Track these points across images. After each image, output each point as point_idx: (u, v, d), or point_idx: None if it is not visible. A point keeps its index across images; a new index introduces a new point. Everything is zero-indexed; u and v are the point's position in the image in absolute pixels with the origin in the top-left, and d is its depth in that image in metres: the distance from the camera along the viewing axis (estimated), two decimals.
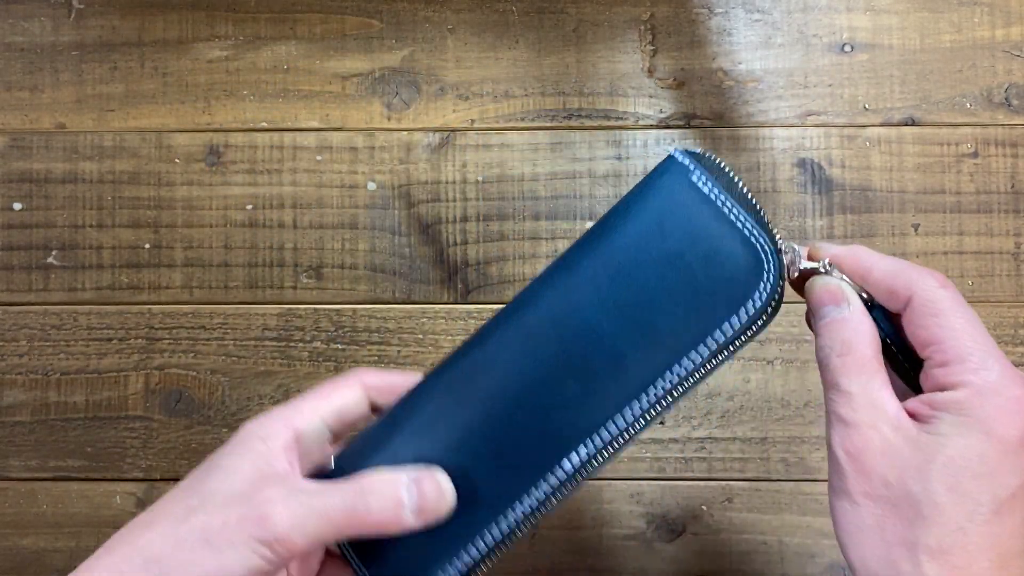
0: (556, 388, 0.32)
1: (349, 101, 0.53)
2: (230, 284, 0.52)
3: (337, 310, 0.52)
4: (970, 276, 0.52)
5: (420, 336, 0.52)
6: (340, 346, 0.52)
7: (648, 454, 0.51)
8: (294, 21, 0.54)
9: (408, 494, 0.32)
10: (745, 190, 0.32)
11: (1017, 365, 0.51)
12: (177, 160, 0.53)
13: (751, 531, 0.51)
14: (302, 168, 0.53)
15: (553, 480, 0.32)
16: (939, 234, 0.52)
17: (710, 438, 0.51)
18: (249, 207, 0.53)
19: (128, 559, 0.30)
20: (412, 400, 0.34)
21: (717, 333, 0.31)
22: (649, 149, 0.53)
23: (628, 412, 0.32)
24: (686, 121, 0.53)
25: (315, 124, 0.53)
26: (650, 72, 0.53)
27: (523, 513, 0.32)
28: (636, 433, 0.32)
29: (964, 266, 0.52)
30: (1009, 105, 0.52)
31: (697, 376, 0.32)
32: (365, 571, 0.33)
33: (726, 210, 0.31)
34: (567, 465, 0.32)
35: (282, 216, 0.53)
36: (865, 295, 0.31)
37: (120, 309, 0.52)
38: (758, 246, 0.31)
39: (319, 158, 0.53)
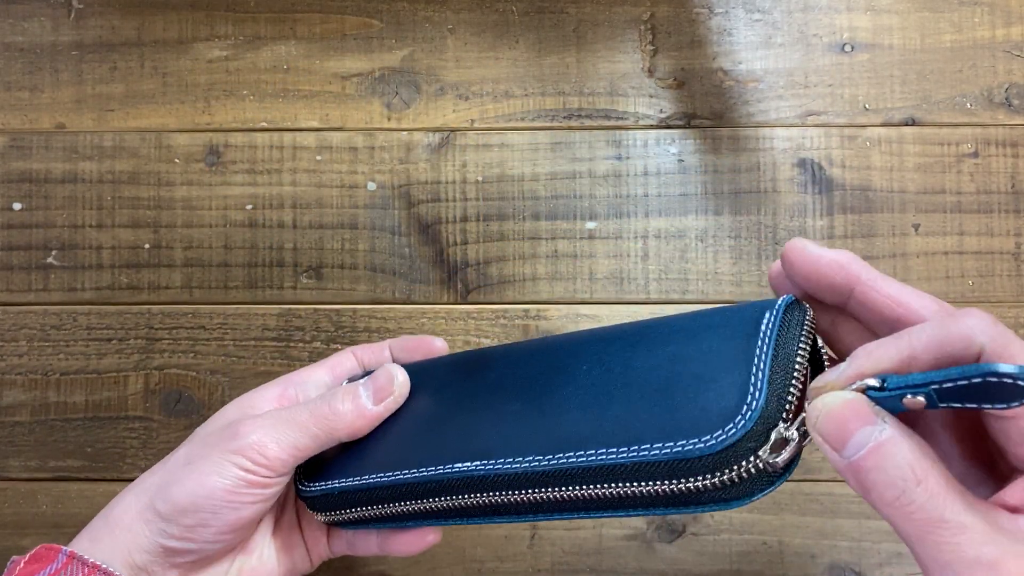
0: (505, 399, 0.32)
1: (349, 101, 0.53)
2: (230, 284, 0.52)
3: (337, 310, 0.52)
4: (970, 276, 0.52)
5: None
6: (340, 346, 0.52)
7: None
8: (294, 21, 0.54)
9: (363, 387, 0.35)
10: (800, 368, 0.26)
11: None
12: (177, 160, 0.53)
13: (751, 531, 0.51)
14: (302, 168, 0.53)
15: (441, 472, 0.31)
16: (939, 234, 0.52)
17: None
18: (249, 207, 0.53)
19: (123, 496, 0.35)
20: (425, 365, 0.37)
21: (644, 449, 0.26)
22: (649, 149, 0.53)
23: (523, 461, 0.29)
24: (686, 121, 0.53)
25: (315, 124, 0.53)
26: (650, 72, 0.53)
27: (413, 481, 0.32)
28: (511, 494, 0.29)
29: (964, 266, 0.52)
30: (1009, 105, 0.52)
31: (597, 489, 0.27)
32: (302, 485, 0.36)
33: (758, 354, 0.26)
34: (456, 467, 0.31)
35: (282, 216, 0.53)
36: (875, 380, 0.24)
37: (120, 309, 0.52)
38: (749, 399, 0.25)
39: (319, 158, 0.53)
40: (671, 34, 0.53)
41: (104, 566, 0.32)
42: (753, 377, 0.25)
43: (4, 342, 0.52)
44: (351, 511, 0.35)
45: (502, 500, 0.30)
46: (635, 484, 0.26)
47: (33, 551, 0.33)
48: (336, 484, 0.34)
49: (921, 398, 0.23)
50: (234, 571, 0.36)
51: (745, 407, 0.25)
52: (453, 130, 0.53)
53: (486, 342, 0.52)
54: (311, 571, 0.40)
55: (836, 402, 0.24)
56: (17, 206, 0.53)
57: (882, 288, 0.27)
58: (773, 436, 0.25)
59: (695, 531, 0.51)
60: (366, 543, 0.39)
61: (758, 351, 0.26)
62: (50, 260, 0.53)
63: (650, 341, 0.30)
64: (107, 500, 0.51)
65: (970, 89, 0.53)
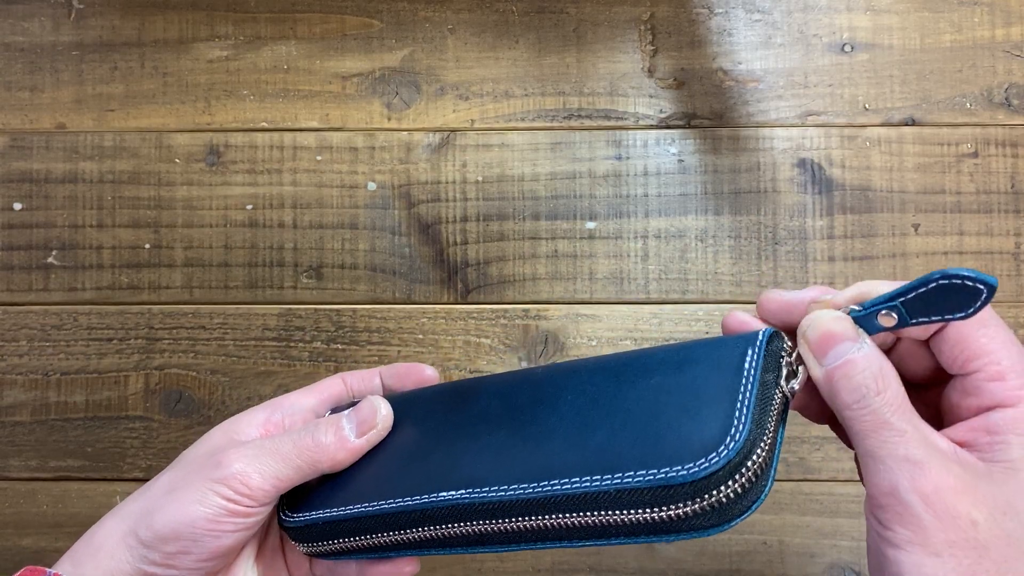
0: (490, 429, 0.32)
1: (349, 101, 0.53)
2: (230, 284, 0.53)
3: (337, 310, 0.52)
4: None
5: (420, 336, 0.52)
6: (340, 346, 0.52)
7: None
8: (294, 21, 0.54)
9: (347, 419, 0.35)
10: (779, 400, 0.28)
11: None
12: (177, 160, 0.53)
13: (751, 531, 0.51)
14: (302, 168, 0.53)
15: (427, 501, 0.31)
16: (939, 234, 0.52)
17: None
18: (249, 207, 0.53)
19: (105, 521, 0.34)
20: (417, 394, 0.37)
21: (628, 476, 0.26)
22: (649, 149, 0.53)
23: (509, 490, 0.29)
24: (686, 121, 0.53)
25: (315, 124, 0.53)
26: (650, 72, 0.53)
27: (398, 510, 0.32)
28: (499, 524, 0.29)
29: (964, 266, 0.52)
30: (1009, 105, 0.52)
31: (582, 517, 0.27)
32: (284, 515, 0.36)
33: (743, 389, 0.27)
34: (442, 496, 0.31)
35: (282, 216, 0.53)
36: (857, 305, 0.28)
37: (120, 309, 0.52)
38: (733, 431, 0.26)
39: (319, 158, 0.53)
40: (671, 34, 0.53)
41: None
42: (737, 411, 0.26)
43: (5, 342, 0.52)
44: (334, 542, 0.35)
45: (487, 529, 0.30)
46: (618, 512, 0.27)
47: (18, 573, 0.33)
48: (320, 515, 0.34)
49: (894, 314, 0.27)
50: None
51: (728, 438, 0.26)
52: (453, 130, 0.53)
53: (486, 342, 0.52)
54: None
55: (826, 317, 0.28)
56: (18, 206, 0.53)
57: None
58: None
59: None
60: (345, 571, 0.39)
61: (743, 387, 0.27)
62: (50, 260, 0.53)
63: (634, 372, 0.30)
64: (107, 500, 0.51)
65: (970, 89, 0.53)
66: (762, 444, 0.26)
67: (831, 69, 0.53)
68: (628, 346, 0.52)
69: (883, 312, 0.27)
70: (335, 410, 0.38)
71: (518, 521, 0.29)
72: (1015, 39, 0.53)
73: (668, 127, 0.53)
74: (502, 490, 0.29)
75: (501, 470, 0.30)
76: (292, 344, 0.52)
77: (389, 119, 0.53)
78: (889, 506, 0.26)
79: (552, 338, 0.52)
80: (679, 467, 0.25)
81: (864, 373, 0.27)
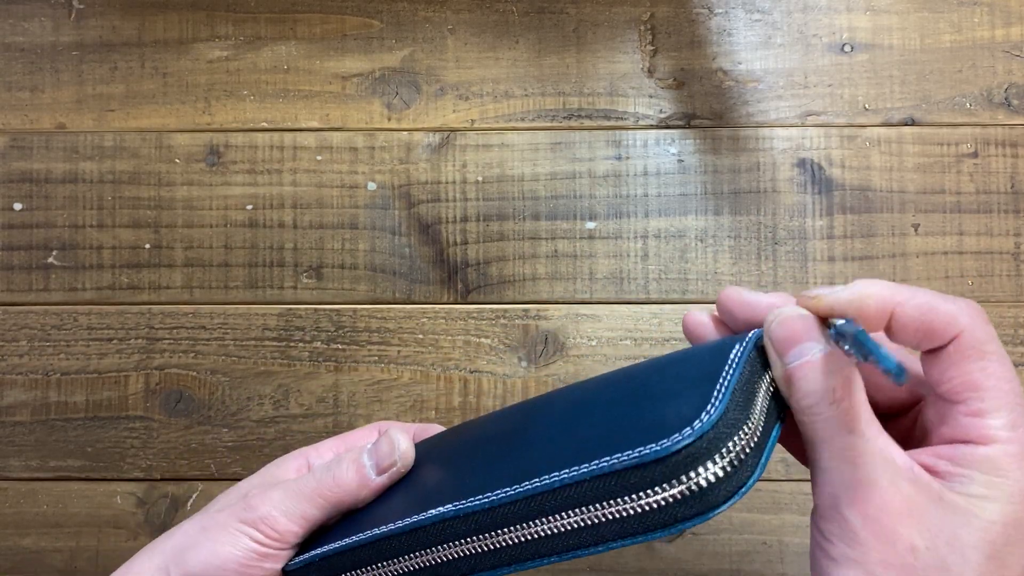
0: (480, 450, 0.32)
1: (349, 101, 0.53)
2: (230, 284, 0.53)
3: (337, 310, 0.52)
4: (970, 276, 0.52)
5: (420, 336, 0.52)
6: (340, 346, 0.52)
7: None
8: (294, 21, 0.54)
9: (367, 456, 0.35)
10: (767, 392, 0.27)
11: (1017, 365, 0.51)
12: (177, 160, 0.53)
13: (751, 531, 0.51)
14: (302, 168, 0.53)
15: (415, 521, 0.31)
16: (939, 234, 0.52)
17: None
18: (249, 207, 0.53)
19: (149, 558, 0.35)
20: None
21: (603, 462, 0.25)
22: (649, 149, 0.53)
23: (491, 495, 0.28)
24: (686, 121, 0.53)
25: (315, 124, 0.53)
26: (650, 72, 0.53)
27: (391, 534, 0.31)
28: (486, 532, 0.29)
29: (964, 266, 0.52)
30: (1009, 105, 0.52)
31: (565, 518, 0.27)
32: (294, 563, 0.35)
33: (724, 373, 0.26)
34: (431, 513, 0.30)
35: (282, 216, 0.53)
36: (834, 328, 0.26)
37: (120, 309, 0.52)
38: (709, 407, 0.25)
39: (319, 158, 0.53)
40: (671, 34, 0.53)
41: None
42: (716, 392, 0.25)
43: (5, 342, 0.52)
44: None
45: (474, 549, 0.29)
46: (598, 506, 0.26)
47: None
48: (317, 552, 0.34)
49: (854, 357, 0.25)
50: None
51: (704, 413, 0.25)
52: (453, 130, 0.53)
53: (486, 342, 0.52)
54: None
55: (792, 314, 0.26)
56: (18, 206, 0.53)
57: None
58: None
59: (695, 531, 0.51)
60: None
61: (724, 372, 0.26)
62: (51, 260, 0.53)
63: (621, 376, 0.30)
64: (107, 500, 0.51)
65: (970, 89, 0.53)
66: (745, 428, 0.25)
67: (831, 69, 0.53)
68: (628, 346, 0.52)
69: (846, 349, 0.25)
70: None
71: (504, 534, 0.28)
72: (1015, 39, 0.53)
73: (668, 127, 0.53)
74: (486, 497, 0.28)
75: (486, 480, 0.29)
76: (292, 344, 0.52)
77: (389, 119, 0.53)
78: (831, 519, 0.25)
79: (552, 338, 0.52)
80: (652, 444, 0.24)
81: (824, 376, 0.25)
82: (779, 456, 0.51)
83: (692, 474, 0.25)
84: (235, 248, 0.53)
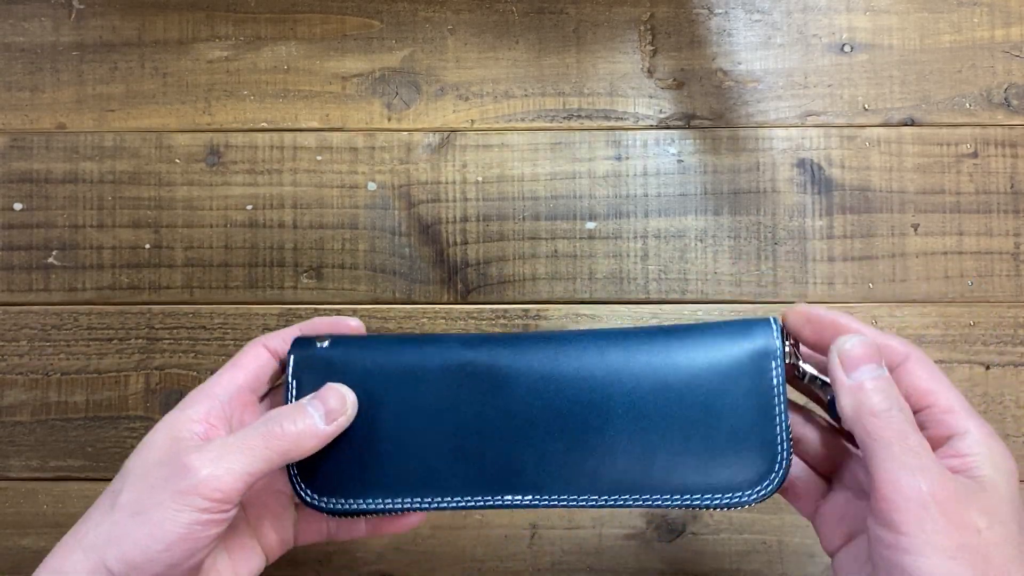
0: (545, 437, 0.35)
1: (349, 101, 0.53)
2: (230, 284, 0.53)
3: (337, 310, 0.52)
4: (970, 276, 0.52)
5: None
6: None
7: None
8: (294, 21, 0.54)
9: (312, 407, 0.35)
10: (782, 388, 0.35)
11: (1017, 365, 0.51)
12: (177, 160, 0.53)
13: (751, 531, 0.51)
14: (302, 168, 0.53)
15: (492, 502, 0.35)
16: (939, 234, 0.52)
17: None
18: (249, 207, 0.53)
19: (69, 554, 0.32)
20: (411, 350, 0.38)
21: (696, 498, 0.34)
22: (649, 149, 0.53)
23: (580, 499, 0.35)
24: (686, 121, 0.53)
25: (315, 124, 0.53)
26: (650, 72, 0.53)
27: (458, 507, 0.36)
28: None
29: (964, 266, 0.52)
30: (1009, 105, 0.52)
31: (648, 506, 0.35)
32: (304, 491, 0.37)
33: (776, 411, 0.35)
34: (507, 499, 0.35)
35: (282, 216, 0.53)
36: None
37: (120, 309, 0.52)
38: (779, 458, 0.34)
39: (319, 158, 0.53)
40: (671, 34, 0.53)
41: None
42: (779, 448, 0.34)
43: (5, 342, 0.52)
44: (369, 516, 0.37)
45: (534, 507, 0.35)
46: (672, 506, 0.35)
47: None
48: (368, 505, 0.36)
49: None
50: None
51: (777, 466, 0.34)
52: (453, 130, 0.53)
53: None
54: (273, 561, 0.39)
55: (860, 340, 0.33)
56: (18, 206, 0.53)
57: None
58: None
59: (695, 531, 0.51)
60: (351, 529, 0.39)
61: (777, 418, 0.35)
62: (51, 260, 0.53)
63: (676, 384, 0.35)
64: None
65: (969, 89, 0.53)
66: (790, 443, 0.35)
67: (831, 69, 0.53)
68: None
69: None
70: (276, 387, 0.39)
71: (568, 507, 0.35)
72: (1015, 39, 0.53)
73: (668, 127, 0.53)
74: (572, 499, 0.35)
75: (569, 482, 0.35)
76: None
77: (389, 119, 0.53)
78: (907, 511, 0.28)
79: None
80: (740, 494, 0.34)
81: (888, 392, 0.31)
82: None
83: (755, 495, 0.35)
84: (235, 248, 0.53)
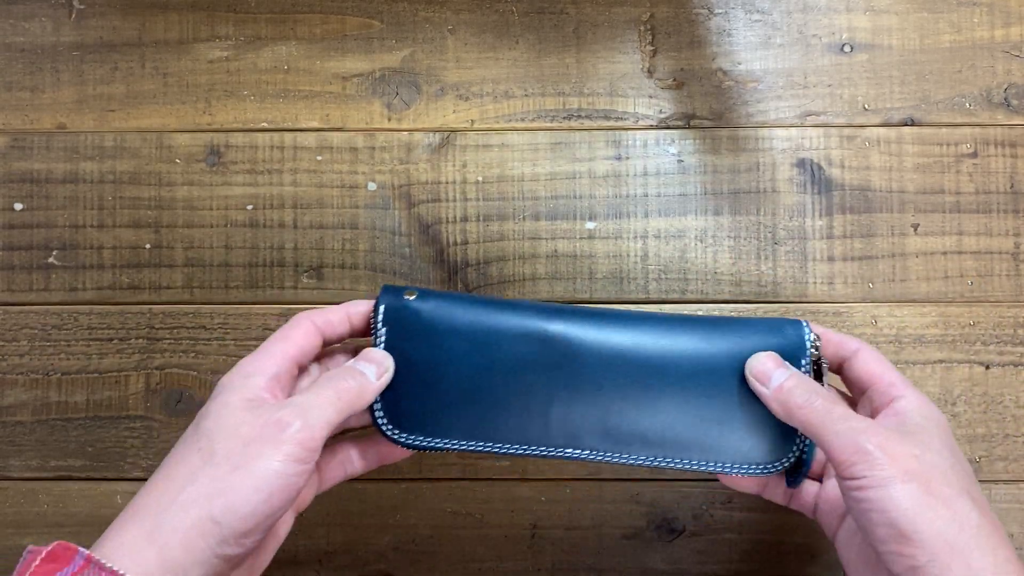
0: (609, 401, 0.41)
1: (349, 101, 0.53)
2: (231, 284, 0.53)
3: None
4: (969, 276, 0.52)
5: None
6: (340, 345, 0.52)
7: None
8: (294, 22, 0.54)
9: (362, 366, 0.40)
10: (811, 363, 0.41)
11: (1017, 365, 0.51)
12: (178, 160, 0.53)
13: (751, 531, 0.51)
14: (302, 168, 0.53)
15: (556, 454, 0.41)
16: (938, 234, 0.52)
17: None
18: (249, 207, 0.53)
19: (161, 511, 0.33)
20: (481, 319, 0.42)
21: (733, 466, 0.41)
22: (649, 149, 0.53)
23: (632, 456, 0.41)
24: (686, 121, 0.53)
25: (315, 124, 0.53)
26: (650, 72, 0.53)
27: (524, 453, 0.41)
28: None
29: (963, 266, 0.52)
30: (1008, 105, 0.52)
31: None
32: (387, 427, 0.41)
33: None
34: (567, 451, 0.41)
35: (282, 216, 0.53)
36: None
37: (121, 309, 0.52)
38: (799, 443, 0.41)
39: (319, 158, 0.53)
40: (671, 34, 0.53)
41: (122, 572, 0.32)
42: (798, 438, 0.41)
43: (5, 342, 0.52)
44: (441, 452, 0.42)
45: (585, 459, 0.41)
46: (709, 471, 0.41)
47: (50, 548, 0.32)
48: (442, 444, 0.41)
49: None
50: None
51: (794, 448, 0.41)
52: (453, 130, 0.53)
53: None
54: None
55: (764, 354, 0.41)
56: (18, 206, 0.53)
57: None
58: None
59: (695, 530, 0.51)
60: (346, 455, 0.43)
61: None
62: (51, 260, 0.53)
63: (719, 361, 0.41)
64: (108, 499, 0.51)
65: (969, 89, 0.53)
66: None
67: (830, 69, 0.53)
68: None
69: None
70: (319, 358, 0.43)
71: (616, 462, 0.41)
72: (1014, 39, 0.53)
73: (668, 127, 0.53)
74: (625, 456, 0.41)
75: (624, 442, 0.41)
76: None
77: (389, 119, 0.53)
78: (858, 460, 0.34)
79: None
80: (770, 464, 0.41)
81: (805, 383, 0.39)
82: None
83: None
84: (235, 248, 0.53)
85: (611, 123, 0.53)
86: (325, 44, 0.54)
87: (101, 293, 0.53)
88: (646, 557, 0.51)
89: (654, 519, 0.51)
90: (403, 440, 0.41)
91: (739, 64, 0.53)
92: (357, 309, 0.42)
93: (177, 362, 0.52)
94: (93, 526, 0.51)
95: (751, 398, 0.40)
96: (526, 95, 0.53)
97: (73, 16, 0.54)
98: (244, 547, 0.34)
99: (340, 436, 0.44)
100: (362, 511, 0.52)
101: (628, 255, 0.52)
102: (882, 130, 0.53)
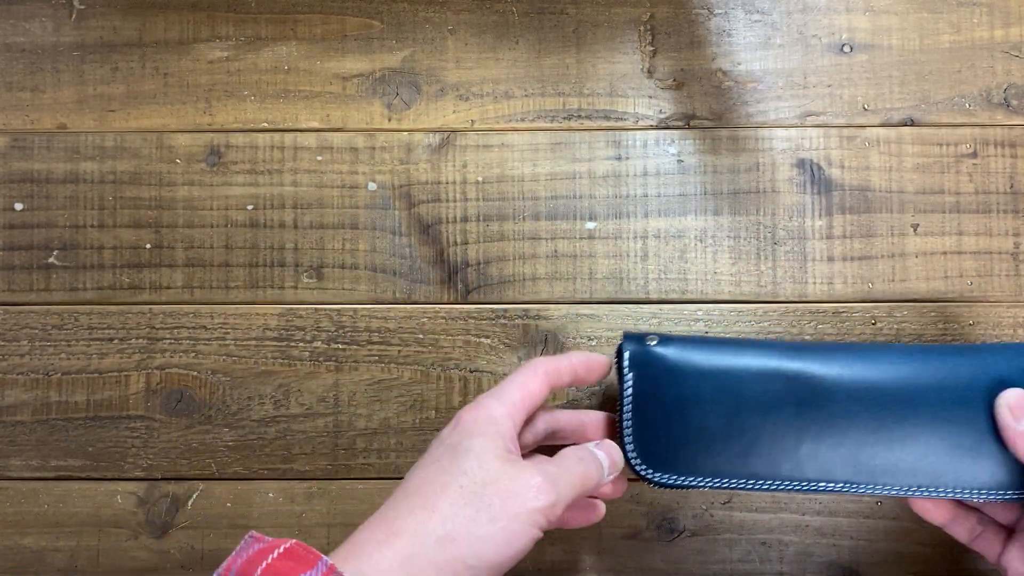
0: (861, 437, 0.41)
1: (350, 101, 0.53)
2: (231, 284, 0.53)
3: (338, 310, 0.52)
4: (969, 276, 0.52)
5: (420, 336, 0.52)
6: (341, 346, 0.52)
7: None
8: (295, 22, 0.54)
9: (604, 458, 0.41)
10: None
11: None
12: (178, 160, 0.53)
13: (751, 531, 0.51)
14: (303, 168, 0.53)
15: (807, 488, 0.42)
16: (938, 234, 0.52)
17: None
18: (250, 207, 0.53)
19: (419, 540, 0.35)
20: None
21: (966, 492, 0.41)
22: (648, 149, 0.53)
23: (897, 488, 0.41)
24: (686, 121, 0.53)
25: (316, 124, 0.53)
26: (650, 73, 0.53)
27: (770, 486, 0.42)
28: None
29: (963, 266, 0.52)
30: (1008, 105, 0.53)
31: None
32: (651, 474, 0.43)
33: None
34: (823, 485, 0.42)
35: (283, 216, 0.53)
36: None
37: (121, 309, 0.52)
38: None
39: (320, 158, 0.53)
40: (671, 35, 0.53)
41: None
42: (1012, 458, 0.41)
43: (6, 342, 0.52)
44: (691, 489, 0.43)
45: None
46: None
47: (287, 545, 0.33)
48: (698, 481, 0.42)
49: None
50: None
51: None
52: (453, 130, 0.53)
53: (486, 342, 0.52)
54: None
55: (1019, 391, 0.41)
56: (19, 206, 0.53)
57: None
58: None
59: (695, 531, 0.51)
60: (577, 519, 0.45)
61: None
62: (51, 260, 0.53)
63: (966, 393, 0.42)
64: (108, 499, 0.51)
65: (969, 90, 0.53)
66: None
67: (830, 70, 0.53)
68: None
69: None
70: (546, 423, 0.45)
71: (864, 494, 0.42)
72: (1014, 39, 0.53)
73: (668, 127, 0.53)
74: (885, 488, 0.41)
75: (878, 473, 0.41)
76: (293, 344, 0.52)
77: (389, 119, 0.53)
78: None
79: (552, 338, 0.52)
80: (999, 491, 0.41)
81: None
82: None
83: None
84: (236, 248, 0.53)
85: (611, 123, 0.53)
86: (325, 44, 0.54)
87: (101, 293, 0.53)
88: (646, 557, 0.51)
89: (654, 519, 0.51)
90: (656, 479, 0.42)
91: (739, 64, 0.53)
92: (585, 360, 0.44)
93: (177, 362, 0.52)
94: (93, 526, 0.51)
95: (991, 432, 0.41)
96: (526, 95, 0.53)
97: (73, 16, 0.54)
98: None
99: None
100: (362, 511, 0.52)
101: (628, 255, 0.52)
102: (882, 130, 0.53)
